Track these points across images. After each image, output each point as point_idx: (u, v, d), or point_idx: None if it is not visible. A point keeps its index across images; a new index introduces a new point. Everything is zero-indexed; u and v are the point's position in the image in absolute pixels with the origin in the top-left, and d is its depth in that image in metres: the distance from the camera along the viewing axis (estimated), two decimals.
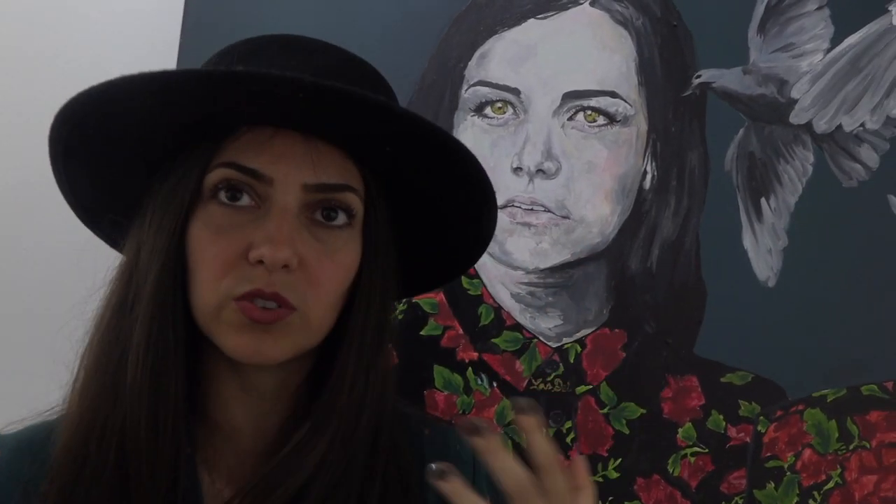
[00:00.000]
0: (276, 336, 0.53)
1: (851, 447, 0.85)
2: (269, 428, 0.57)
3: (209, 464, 0.56)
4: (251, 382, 0.57)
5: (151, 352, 0.52)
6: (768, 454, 0.86)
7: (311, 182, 0.54)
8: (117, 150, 0.56)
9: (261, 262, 0.52)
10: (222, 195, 0.54)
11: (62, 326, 0.57)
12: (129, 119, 0.54)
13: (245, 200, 0.54)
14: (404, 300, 0.92)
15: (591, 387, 0.87)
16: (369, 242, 0.59)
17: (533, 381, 0.87)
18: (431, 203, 0.62)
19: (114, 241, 0.61)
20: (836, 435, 0.85)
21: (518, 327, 0.88)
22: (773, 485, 0.85)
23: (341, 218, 0.57)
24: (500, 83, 0.89)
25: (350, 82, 0.51)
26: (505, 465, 0.47)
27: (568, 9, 0.90)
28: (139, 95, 0.51)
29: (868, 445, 0.85)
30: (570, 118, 0.88)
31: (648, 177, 0.88)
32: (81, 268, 0.60)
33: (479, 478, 0.63)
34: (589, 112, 0.88)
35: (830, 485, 0.85)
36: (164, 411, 0.52)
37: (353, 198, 0.57)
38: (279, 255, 0.52)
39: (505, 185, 0.89)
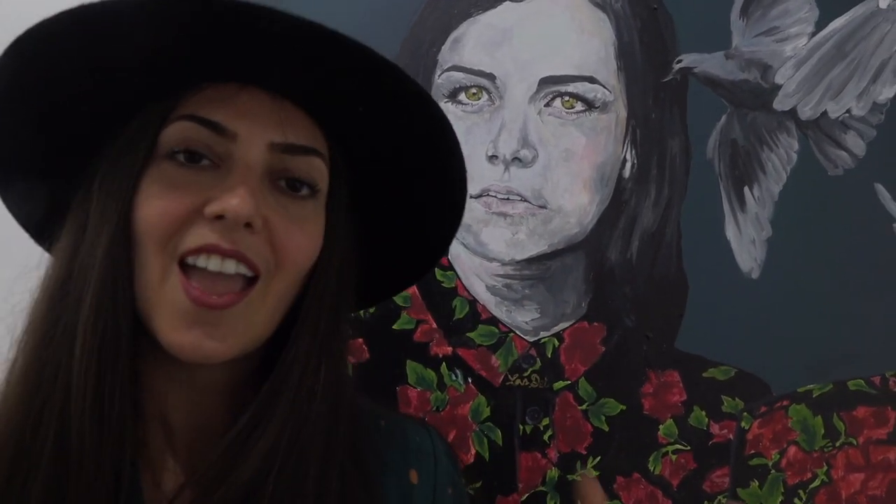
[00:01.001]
0: (223, 330, 0.48)
1: (838, 444, 0.82)
2: (215, 425, 0.52)
3: (152, 465, 0.52)
4: (196, 377, 0.52)
5: (98, 341, 0.46)
6: (752, 451, 0.83)
7: (279, 141, 0.50)
8: (51, 116, 0.51)
9: (220, 217, 0.47)
10: (180, 156, 0.49)
11: None
12: (70, 64, 0.48)
13: (204, 162, 0.49)
14: None
15: (569, 382, 0.84)
16: (332, 216, 0.55)
17: (509, 376, 0.84)
18: (398, 179, 0.59)
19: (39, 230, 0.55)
20: (822, 431, 0.83)
21: (494, 321, 0.85)
22: (757, 483, 0.82)
23: (305, 190, 0.53)
24: (475, 68, 0.86)
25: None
26: None
27: None
28: (86, 25, 0.46)
29: (855, 442, 0.82)
30: (547, 104, 0.85)
31: (628, 165, 0.85)
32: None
33: (441, 469, 0.61)
34: (566, 98, 0.85)
35: (816, 483, 0.82)
36: (110, 411, 0.46)
37: (320, 164, 0.53)
38: (243, 207, 0.46)
39: (480, 174, 0.86)
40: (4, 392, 0.49)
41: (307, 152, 0.52)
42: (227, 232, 0.47)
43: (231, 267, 0.48)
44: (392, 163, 0.58)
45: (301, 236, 0.52)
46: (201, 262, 0.47)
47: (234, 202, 0.46)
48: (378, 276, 0.61)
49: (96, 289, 0.47)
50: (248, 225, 0.48)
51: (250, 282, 0.50)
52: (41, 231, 0.55)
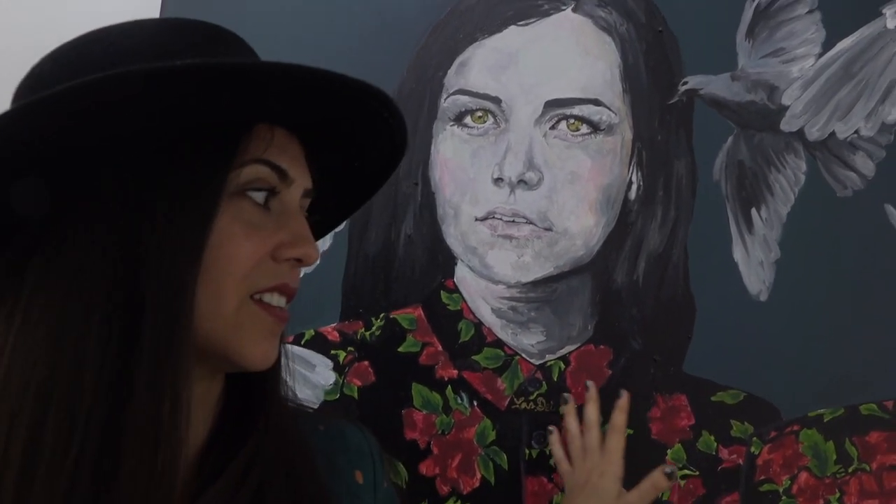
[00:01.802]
0: (279, 338, 0.54)
1: (850, 470, 0.81)
2: (196, 435, 0.53)
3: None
4: (194, 389, 0.53)
5: (173, 363, 0.47)
6: (762, 477, 0.81)
7: (309, 187, 0.56)
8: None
9: (297, 260, 0.53)
10: (257, 195, 0.52)
11: None
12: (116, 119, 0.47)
13: (268, 202, 0.53)
14: (382, 316, 0.89)
15: (575, 406, 0.83)
16: None
17: (515, 399, 0.84)
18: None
19: None
20: (834, 457, 0.81)
21: (499, 344, 0.85)
22: None
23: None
24: (481, 92, 0.87)
25: None
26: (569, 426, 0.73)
27: (550, 15, 0.87)
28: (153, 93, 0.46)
29: (868, 468, 0.81)
30: (553, 127, 0.85)
31: (634, 187, 0.85)
32: None
33: (377, 467, 0.63)
34: (572, 121, 0.85)
35: None
36: (175, 459, 0.47)
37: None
38: (315, 253, 0.54)
39: (486, 197, 0.86)
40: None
41: (311, 195, 0.58)
42: (290, 271, 0.53)
43: (284, 302, 0.54)
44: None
45: None
46: (267, 298, 0.52)
47: (313, 252, 0.53)
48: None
49: (172, 322, 0.47)
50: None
51: None
52: None
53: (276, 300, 0.52)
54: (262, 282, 0.51)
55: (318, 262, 0.55)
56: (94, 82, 0.44)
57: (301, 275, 0.56)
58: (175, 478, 0.47)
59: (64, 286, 0.48)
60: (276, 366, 0.56)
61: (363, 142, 0.59)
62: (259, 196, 0.52)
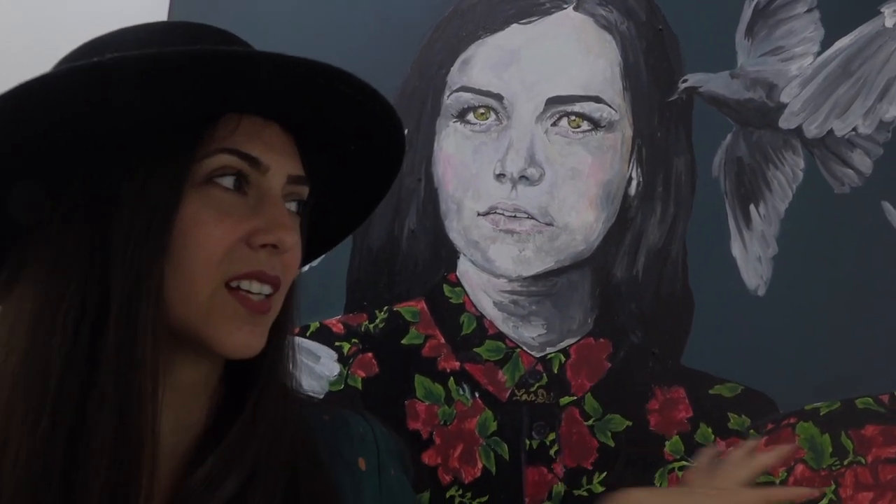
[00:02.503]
0: (262, 327, 0.54)
1: (846, 462, 0.82)
2: (194, 424, 0.55)
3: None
4: (183, 378, 0.55)
5: (137, 353, 0.48)
6: None
7: (294, 173, 0.56)
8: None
9: (271, 246, 0.52)
10: (226, 181, 0.52)
11: None
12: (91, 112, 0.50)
13: (243, 188, 0.54)
14: (385, 308, 0.91)
15: (575, 398, 0.85)
16: (303, 224, 0.60)
17: (516, 391, 0.85)
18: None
19: None
20: (830, 450, 0.82)
21: (501, 336, 0.86)
22: None
23: (300, 208, 0.59)
24: (483, 89, 0.88)
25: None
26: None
27: (551, 13, 0.89)
28: (123, 84, 0.48)
29: (863, 461, 0.82)
30: (554, 124, 0.87)
31: (634, 183, 0.87)
32: None
33: (383, 455, 0.63)
34: (573, 117, 0.86)
35: (824, 502, 0.82)
36: (141, 444, 0.48)
37: (307, 189, 0.59)
38: (292, 240, 0.53)
39: (488, 192, 0.87)
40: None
41: (305, 182, 0.58)
42: (268, 258, 0.53)
43: (268, 290, 0.54)
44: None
45: (299, 250, 0.57)
46: (245, 285, 0.52)
47: (288, 238, 0.53)
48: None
49: (136, 306, 0.49)
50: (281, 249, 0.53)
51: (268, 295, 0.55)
52: None
53: (256, 287, 0.52)
54: (236, 268, 0.51)
55: (291, 245, 0.53)
56: (52, 74, 0.47)
57: (306, 269, 0.57)
58: (142, 460, 0.47)
59: (41, 278, 0.50)
60: (272, 354, 0.56)
61: (342, 125, 0.59)
62: (227, 181, 0.52)
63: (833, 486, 0.82)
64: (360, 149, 0.62)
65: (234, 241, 0.51)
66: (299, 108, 0.55)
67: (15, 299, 0.51)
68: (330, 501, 0.57)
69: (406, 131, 0.92)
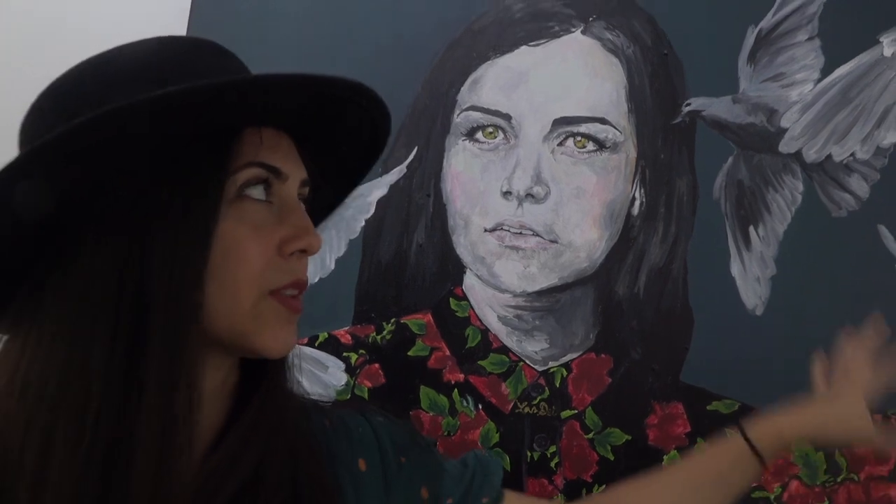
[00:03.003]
0: (296, 325, 0.56)
1: (840, 479, 0.84)
2: (211, 427, 0.55)
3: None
4: (207, 379, 0.55)
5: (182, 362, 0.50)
6: (754, 484, 0.85)
7: (303, 178, 0.58)
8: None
9: (301, 251, 0.54)
10: (256, 192, 0.54)
11: None
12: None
13: (269, 199, 0.55)
14: (393, 320, 0.93)
15: (576, 411, 0.87)
16: None
17: (518, 404, 0.87)
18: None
19: None
20: (824, 467, 0.85)
21: (504, 350, 0.89)
22: None
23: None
24: (492, 108, 0.91)
25: None
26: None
27: (560, 36, 0.91)
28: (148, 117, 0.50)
29: (856, 478, 0.84)
30: (560, 144, 0.89)
31: (637, 203, 0.89)
32: None
33: (385, 449, 0.64)
34: (579, 138, 0.89)
35: None
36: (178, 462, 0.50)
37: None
38: (318, 244, 0.55)
39: (494, 209, 0.90)
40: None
41: (308, 185, 0.60)
42: (299, 264, 0.55)
43: (296, 293, 0.55)
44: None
45: None
46: (284, 291, 0.54)
47: (316, 242, 0.55)
48: None
49: (178, 323, 0.50)
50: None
51: None
52: None
53: (290, 292, 0.55)
54: (276, 279, 0.53)
55: (320, 248, 0.56)
56: (80, 125, 0.48)
57: (315, 280, 0.59)
58: (182, 475, 0.49)
59: (76, 298, 0.51)
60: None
61: (342, 120, 0.62)
62: (257, 192, 0.54)
63: (827, 502, 0.84)
64: (351, 143, 0.64)
65: (270, 253, 0.53)
66: (309, 119, 0.58)
67: (41, 319, 0.52)
68: (332, 496, 0.58)
69: (416, 148, 0.97)
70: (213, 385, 0.57)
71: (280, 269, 0.53)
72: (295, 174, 0.57)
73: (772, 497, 0.85)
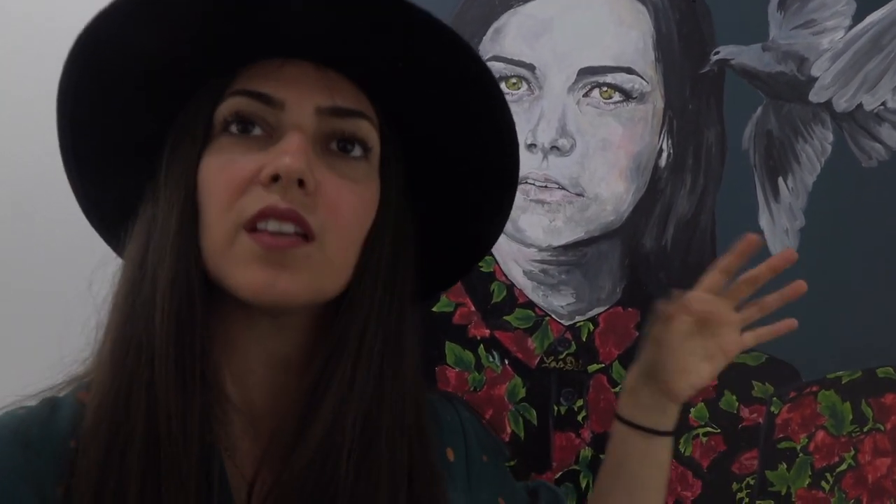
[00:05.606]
0: (292, 270, 0.49)
1: (865, 429, 0.85)
2: (290, 405, 0.53)
3: (228, 448, 0.52)
4: (270, 349, 0.54)
5: (175, 306, 0.49)
6: (781, 435, 0.85)
7: (325, 105, 0.52)
8: (118, 112, 0.55)
9: (275, 178, 0.49)
10: (233, 127, 0.52)
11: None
12: (128, 63, 0.53)
13: (257, 131, 0.52)
14: None
15: (603, 365, 0.87)
16: (385, 183, 0.55)
17: (545, 358, 0.87)
18: (450, 173, 0.60)
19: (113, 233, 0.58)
20: (850, 417, 0.85)
21: (530, 305, 0.88)
22: (785, 466, 0.85)
23: (357, 150, 0.54)
24: (515, 58, 0.88)
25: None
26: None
27: None
28: (134, 24, 0.51)
29: (882, 428, 0.84)
30: (586, 94, 0.87)
31: (664, 155, 0.87)
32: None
33: (470, 443, 0.63)
34: (604, 88, 0.87)
35: (843, 467, 0.84)
36: (192, 380, 0.48)
37: (369, 127, 0.54)
38: (294, 164, 0.48)
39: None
40: (97, 373, 0.51)
41: (353, 114, 0.53)
42: (282, 192, 0.49)
43: (289, 228, 0.50)
44: (445, 153, 0.60)
45: (352, 196, 0.52)
46: (261, 225, 0.49)
47: (287, 160, 0.48)
48: (428, 269, 0.60)
49: (171, 261, 0.50)
50: (302, 184, 0.49)
51: (307, 240, 0.51)
52: (112, 232, 0.58)
53: (273, 226, 0.49)
54: (249, 209, 0.49)
55: (304, 173, 0.49)
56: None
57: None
58: (190, 423, 0.49)
59: (134, 237, 0.54)
60: (352, 315, 0.53)
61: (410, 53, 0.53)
62: (234, 127, 0.52)
63: (853, 452, 0.84)
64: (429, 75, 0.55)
65: (238, 185, 0.50)
66: (328, 41, 0.52)
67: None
68: (440, 480, 0.56)
69: None
70: (279, 356, 0.55)
71: (254, 198, 0.49)
72: (300, 100, 0.51)
73: (798, 447, 0.85)
